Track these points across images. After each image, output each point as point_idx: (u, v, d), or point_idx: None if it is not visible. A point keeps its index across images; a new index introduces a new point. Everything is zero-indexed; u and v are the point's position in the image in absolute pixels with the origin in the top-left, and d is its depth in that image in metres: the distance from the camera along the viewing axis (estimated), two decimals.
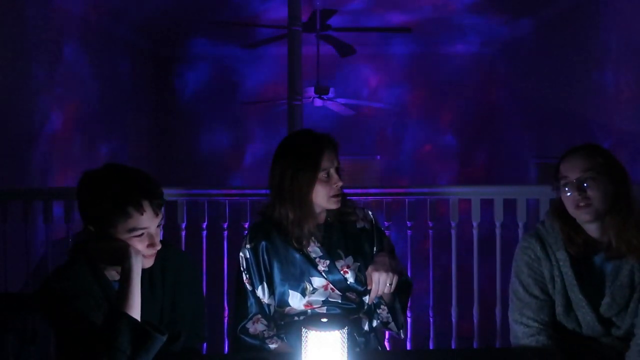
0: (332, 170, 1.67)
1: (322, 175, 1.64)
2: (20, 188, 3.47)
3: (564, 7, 4.73)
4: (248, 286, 1.69)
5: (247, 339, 1.66)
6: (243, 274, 1.71)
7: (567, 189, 1.57)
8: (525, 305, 1.61)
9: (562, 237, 1.60)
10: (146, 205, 1.34)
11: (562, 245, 1.59)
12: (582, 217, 1.56)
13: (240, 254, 1.73)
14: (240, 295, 1.71)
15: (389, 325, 1.73)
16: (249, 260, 1.70)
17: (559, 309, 1.58)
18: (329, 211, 1.74)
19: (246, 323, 1.67)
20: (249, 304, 1.68)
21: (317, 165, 1.63)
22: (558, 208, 1.62)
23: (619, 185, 1.54)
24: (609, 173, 1.54)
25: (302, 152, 1.66)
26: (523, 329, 1.60)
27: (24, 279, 2.75)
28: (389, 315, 1.71)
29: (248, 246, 1.71)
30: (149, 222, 1.36)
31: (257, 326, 1.66)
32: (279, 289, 1.69)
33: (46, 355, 2.59)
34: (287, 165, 1.65)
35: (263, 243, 1.69)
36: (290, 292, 1.67)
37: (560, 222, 1.61)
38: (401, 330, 1.73)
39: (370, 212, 1.85)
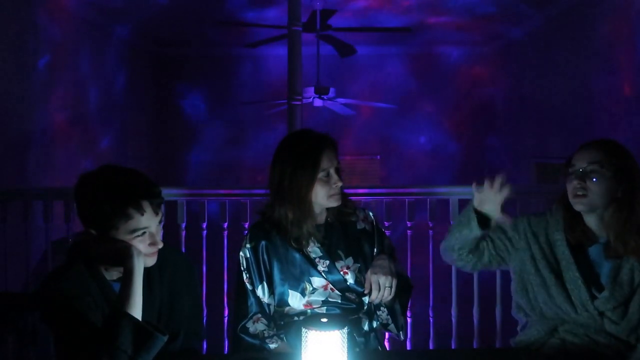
0: (332, 171, 1.67)
1: (321, 175, 1.64)
2: (20, 188, 3.47)
3: (565, 7, 4.73)
4: (248, 286, 1.70)
5: (247, 338, 1.66)
6: (243, 273, 1.71)
7: (571, 177, 1.59)
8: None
9: (564, 222, 1.63)
10: (146, 205, 1.34)
11: (561, 227, 1.63)
12: (577, 206, 1.58)
13: (241, 253, 1.73)
14: (240, 295, 1.71)
15: (389, 327, 1.72)
16: (249, 259, 1.70)
17: (555, 286, 1.60)
18: (329, 211, 1.74)
19: (246, 322, 1.67)
20: (249, 304, 1.68)
21: (317, 165, 1.63)
22: (564, 197, 1.65)
23: (625, 186, 1.54)
24: (616, 171, 1.54)
25: (301, 152, 1.65)
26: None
27: (24, 279, 2.75)
28: (389, 317, 1.71)
29: (248, 246, 1.71)
30: (150, 221, 1.36)
31: (257, 326, 1.67)
32: (278, 289, 1.68)
33: (46, 355, 2.59)
34: (287, 165, 1.65)
35: (263, 243, 1.69)
36: (290, 291, 1.67)
37: (564, 210, 1.64)
38: (401, 332, 1.73)
39: (371, 213, 1.84)
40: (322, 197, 1.66)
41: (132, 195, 1.33)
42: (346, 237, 1.74)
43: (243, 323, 1.67)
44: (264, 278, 1.69)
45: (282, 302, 1.69)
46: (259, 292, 1.69)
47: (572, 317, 1.58)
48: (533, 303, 1.66)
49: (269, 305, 1.70)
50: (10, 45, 3.77)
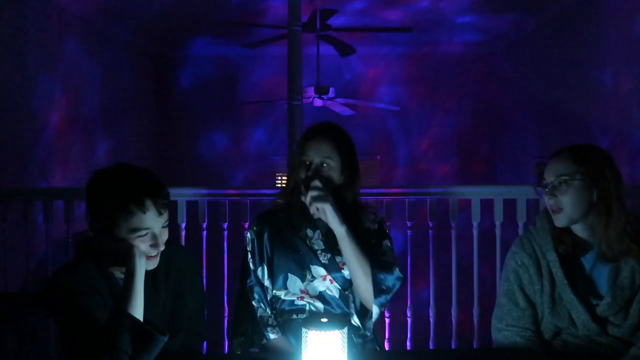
0: (316, 162, 1.70)
1: (302, 160, 1.72)
2: (20, 188, 3.47)
3: (565, 6, 4.73)
4: (251, 265, 1.78)
5: (253, 302, 1.74)
6: (248, 253, 1.80)
7: (544, 191, 1.57)
8: (506, 313, 1.64)
9: (552, 237, 1.61)
10: (149, 204, 1.34)
11: (551, 246, 1.60)
12: (556, 222, 1.57)
13: (248, 234, 1.83)
14: (244, 273, 1.80)
15: (352, 318, 1.72)
16: (254, 242, 1.78)
17: (548, 310, 1.59)
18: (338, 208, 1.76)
19: (251, 301, 1.75)
20: (248, 281, 1.77)
21: (301, 148, 1.74)
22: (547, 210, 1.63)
23: (598, 191, 1.52)
24: (585, 179, 1.52)
25: (301, 135, 1.80)
26: (502, 334, 1.63)
27: (24, 279, 2.75)
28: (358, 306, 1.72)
29: (254, 228, 1.80)
30: (152, 222, 1.36)
31: (259, 311, 1.75)
32: (278, 273, 1.74)
33: (46, 355, 2.59)
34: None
35: (267, 229, 1.77)
36: (290, 275, 1.72)
37: (550, 222, 1.61)
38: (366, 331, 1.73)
39: (379, 216, 1.87)
40: (301, 184, 1.72)
41: (136, 192, 1.33)
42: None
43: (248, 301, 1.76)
44: (265, 261, 1.76)
45: (281, 286, 1.74)
46: (259, 273, 1.76)
47: (573, 332, 1.58)
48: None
49: (267, 288, 1.76)
50: (10, 45, 3.77)
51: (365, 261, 1.65)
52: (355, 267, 1.65)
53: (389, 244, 1.81)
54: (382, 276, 1.66)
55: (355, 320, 1.72)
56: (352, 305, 1.72)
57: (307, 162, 1.71)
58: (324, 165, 1.70)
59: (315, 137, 1.72)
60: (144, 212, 1.34)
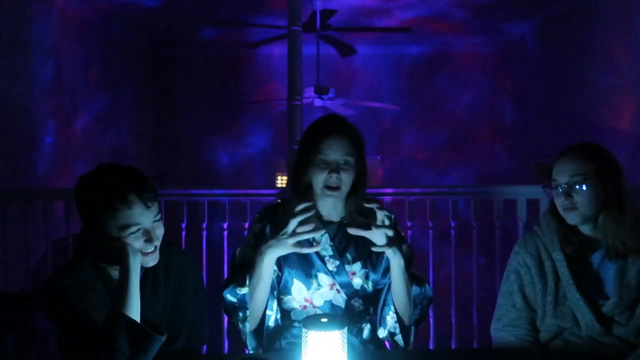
0: (338, 161, 1.58)
1: (317, 160, 1.57)
2: (20, 188, 3.47)
3: (565, 7, 4.73)
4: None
5: (230, 297, 1.59)
6: (249, 246, 1.64)
7: (556, 191, 1.57)
8: (504, 314, 1.65)
9: (558, 237, 1.60)
10: (133, 198, 1.32)
11: (558, 245, 1.60)
12: (569, 220, 1.57)
13: (253, 228, 1.67)
14: (240, 264, 1.63)
15: (396, 337, 1.63)
16: (258, 235, 1.64)
17: (551, 310, 1.59)
18: (346, 211, 1.67)
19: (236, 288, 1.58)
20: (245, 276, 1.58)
21: (313, 146, 1.57)
22: (555, 208, 1.63)
23: (611, 187, 1.53)
24: (599, 177, 1.53)
25: (307, 131, 1.63)
26: (499, 335, 1.64)
27: (24, 279, 2.75)
28: (397, 325, 1.61)
29: (258, 225, 1.66)
30: (140, 217, 1.34)
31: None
32: (284, 275, 1.62)
33: (46, 355, 2.59)
34: (299, 145, 1.64)
35: (269, 226, 1.64)
36: (295, 280, 1.62)
37: (557, 222, 1.62)
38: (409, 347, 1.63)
39: (392, 216, 1.73)
40: (317, 185, 1.58)
41: (118, 188, 1.32)
42: (358, 241, 1.64)
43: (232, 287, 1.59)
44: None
45: (285, 290, 1.64)
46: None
47: (576, 332, 1.58)
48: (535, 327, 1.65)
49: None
50: (10, 45, 3.77)
51: (410, 285, 1.56)
52: (403, 294, 1.56)
53: (410, 250, 1.69)
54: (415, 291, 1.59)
55: (398, 340, 1.61)
56: (388, 325, 1.61)
57: (327, 162, 1.57)
58: (346, 164, 1.59)
59: (333, 134, 1.58)
60: (130, 208, 1.32)
